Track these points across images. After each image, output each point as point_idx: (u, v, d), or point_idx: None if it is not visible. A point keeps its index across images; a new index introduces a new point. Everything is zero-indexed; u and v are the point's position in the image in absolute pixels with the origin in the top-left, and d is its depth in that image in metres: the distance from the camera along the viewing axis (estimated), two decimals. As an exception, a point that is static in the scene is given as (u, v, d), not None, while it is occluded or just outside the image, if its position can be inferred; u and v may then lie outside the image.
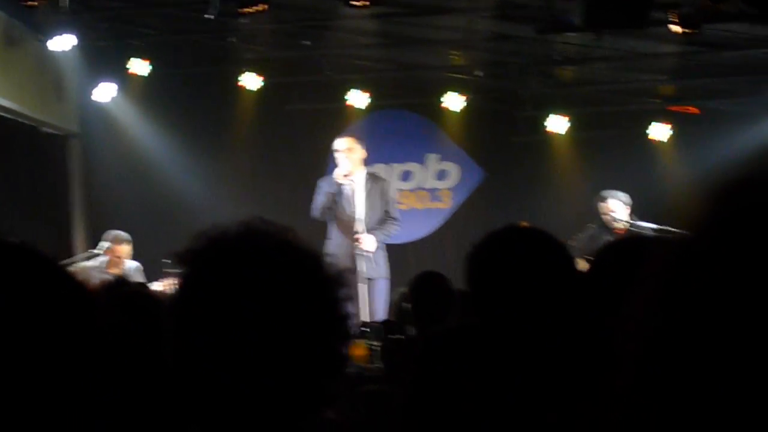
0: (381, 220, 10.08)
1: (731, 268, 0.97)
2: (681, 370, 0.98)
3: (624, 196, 10.28)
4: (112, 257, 10.38)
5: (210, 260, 1.77)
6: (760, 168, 1.04)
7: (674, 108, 13.04)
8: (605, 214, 10.25)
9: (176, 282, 1.79)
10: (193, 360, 1.71)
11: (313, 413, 1.76)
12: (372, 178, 10.25)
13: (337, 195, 9.98)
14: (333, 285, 1.78)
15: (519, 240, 3.02)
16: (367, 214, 9.96)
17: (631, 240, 3.08)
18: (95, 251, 10.52)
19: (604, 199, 10.29)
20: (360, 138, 10.39)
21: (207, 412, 1.71)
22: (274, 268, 1.74)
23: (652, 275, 1.05)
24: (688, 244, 1.03)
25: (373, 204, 10.04)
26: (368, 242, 9.86)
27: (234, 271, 1.73)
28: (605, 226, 10.23)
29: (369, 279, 9.83)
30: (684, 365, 0.98)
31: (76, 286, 1.46)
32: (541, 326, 2.84)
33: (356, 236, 9.80)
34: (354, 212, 9.94)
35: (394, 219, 10.15)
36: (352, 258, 9.65)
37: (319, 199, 10.07)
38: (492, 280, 2.94)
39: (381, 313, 9.66)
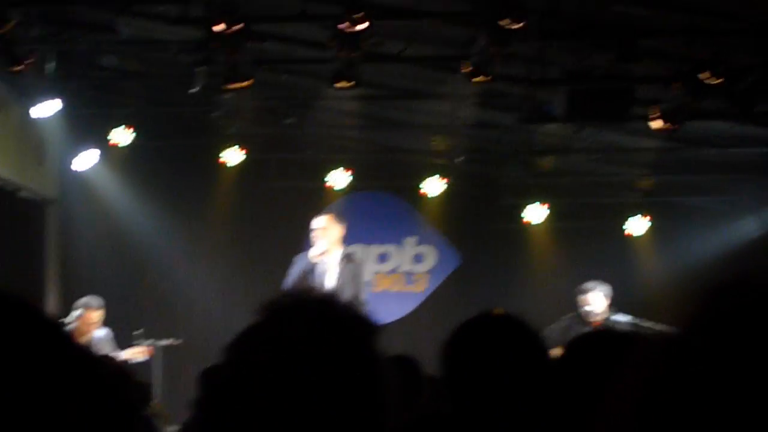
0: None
1: (719, 368, 0.96)
2: None
3: (606, 289, 10.20)
4: (81, 325, 10.26)
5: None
6: (746, 269, 1.04)
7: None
8: (583, 305, 10.18)
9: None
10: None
11: None
12: (346, 258, 10.24)
13: (310, 273, 9.96)
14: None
15: (494, 328, 3.00)
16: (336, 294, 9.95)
17: (602, 334, 3.06)
18: (65, 320, 10.39)
19: (584, 292, 10.20)
20: (339, 217, 10.38)
21: None
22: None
23: (634, 373, 1.03)
24: (674, 343, 1.01)
25: (344, 286, 10.02)
26: None
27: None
28: (581, 318, 10.16)
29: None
30: None
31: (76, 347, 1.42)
32: (514, 416, 2.81)
33: None
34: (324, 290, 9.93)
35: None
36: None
37: (292, 276, 10.06)
38: (466, 368, 2.93)
39: None
